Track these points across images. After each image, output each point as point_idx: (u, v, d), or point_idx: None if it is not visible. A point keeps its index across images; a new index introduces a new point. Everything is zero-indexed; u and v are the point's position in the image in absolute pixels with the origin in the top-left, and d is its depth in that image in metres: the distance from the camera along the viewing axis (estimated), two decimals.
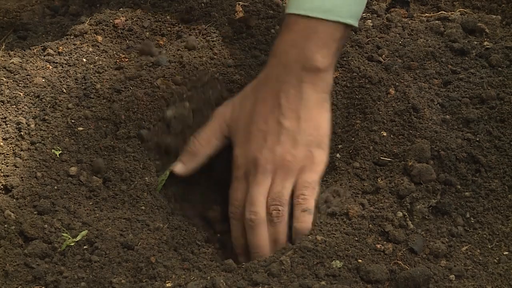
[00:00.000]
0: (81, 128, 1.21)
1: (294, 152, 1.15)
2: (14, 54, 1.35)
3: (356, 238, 1.08)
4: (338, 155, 1.22)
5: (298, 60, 1.15)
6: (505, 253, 1.08)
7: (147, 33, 1.39)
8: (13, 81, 1.27)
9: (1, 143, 1.17)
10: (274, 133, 1.15)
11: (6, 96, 1.24)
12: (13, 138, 1.18)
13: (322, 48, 1.15)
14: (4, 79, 1.27)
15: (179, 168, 1.22)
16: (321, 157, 1.17)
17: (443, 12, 1.48)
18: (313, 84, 1.16)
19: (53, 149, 1.18)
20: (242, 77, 1.30)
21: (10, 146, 1.17)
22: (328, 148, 1.18)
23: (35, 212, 1.08)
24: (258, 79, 1.21)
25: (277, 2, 1.48)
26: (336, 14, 1.15)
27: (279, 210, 1.13)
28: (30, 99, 1.25)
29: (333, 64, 1.19)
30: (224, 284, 0.98)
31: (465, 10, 1.49)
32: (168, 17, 1.42)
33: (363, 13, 1.46)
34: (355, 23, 1.18)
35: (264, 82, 1.18)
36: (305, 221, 1.12)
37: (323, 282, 1.00)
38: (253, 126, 1.16)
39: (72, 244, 1.04)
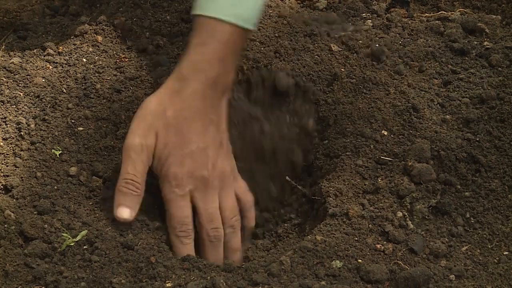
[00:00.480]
0: (81, 128, 1.21)
1: (228, 164, 1.17)
2: (14, 54, 1.35)
3: (356, 238, 1.08)
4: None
5: (224, 79, 1.16)
6: (505, 253, 1.08)
7: (147, 33, 1.39)
8: (13, 81, 1.27)
9: (1, 143, 1.17)
10: (214, 149, 1.14)
11: (6, 96, 1.24)
12: (13, 138, 1.18)
13: (237, 62, 1.19)
14: (4, 79, 1.27)
15: (127, 214, 1.11)
16: (234, 161, 1.20)
17: (443, 12, 1.48)
18: (226, 98, 1.18)
19: (53, 149, 1.18)
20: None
21: (10, 146, 1.17)
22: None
23: (35, 212, 1.08)
24: (168, 93, 1.15)
25: (277, 2, 1.48)
26: (252, 23, 1.16)
27: (238, 220, 1.18)
28: (30, 99, 1.25)
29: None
30: (224, 284, 0.98)
31: (465, 10, 1.49)
32: (168, 17, 1.42)
33: (363, 13, 1.46)
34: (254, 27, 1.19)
35: (187, 96, 1.14)
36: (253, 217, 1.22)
37: (323, 282, 1.00)
38: (192, 145, 1.13)
39: (72, 244, 1.04)
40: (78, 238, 1.05)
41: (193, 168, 1.13)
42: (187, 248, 1.13)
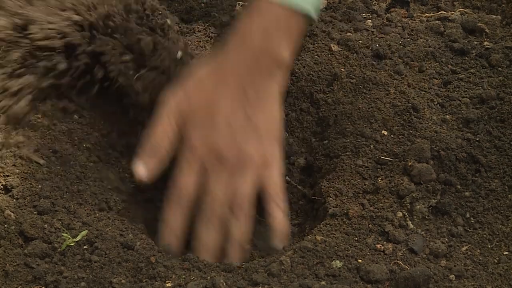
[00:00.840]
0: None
1: (259, 149, 1.08)
2: None
3: (356, 238, 1.08)
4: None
5: (270, 53, 1.09)
6: (505, 253, 1.08)
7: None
8: None
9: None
10: (241, 127, 1.08)
11: None
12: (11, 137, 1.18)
13: (289, 41, 1.10)
14: None
15: (142, 171, 1.09)
16: (280, 154, 1.11)
17: (443, 12, 1.48)
18: (279, 80, 1.11)
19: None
20: None
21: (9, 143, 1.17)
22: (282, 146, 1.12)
23: (35, 212, 1.08)
24: (214, 60, 1.12)
25: None
26: (306, 9, 1.10)
27: (246, 211, 1.08)
28: None
29: (293, 58, 1.14)
30: (224, 284, 0.98)
31: (465, 10, 1.49)
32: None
33: (363, 13, 1.46)
34: (316, 16, 1.13)
35: (228, 66, 1.10)
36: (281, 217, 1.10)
37: (323, 282, 1.00)
38: (219, 115, 1.08)
39: (72, 244, 1.04)
40: (78, 238, 1.05)
41: (210, 139, 1.07)
42: (174, 216, 1.08)
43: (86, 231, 1.05)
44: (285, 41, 1.10)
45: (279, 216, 1.10)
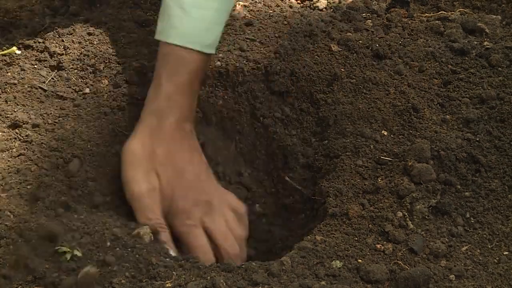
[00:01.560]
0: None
1: (215, 181, 1.24)
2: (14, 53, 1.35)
3: (356, 238, 1.08)
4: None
5: (193, 107, 1.22)
6: (505, 253, 1.08)
7: (147, 33, 1.39)
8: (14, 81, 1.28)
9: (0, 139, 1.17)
10: (204, 172, 1.21)
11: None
12: (11, 137, 1.18)
13: (200, 88, 1.25)
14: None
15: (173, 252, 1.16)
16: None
17: (443, 12, 1.48)
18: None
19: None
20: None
21: (9, 144, 1.17)
22: None
23: (35, 212, 1.08)
24: (149, 133, 1.18)
25: (277, 2, 1.48)
26: (213, 48, 1.21)
27: (240, 230, 1.23)
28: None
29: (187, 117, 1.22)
30: (224, 284, 0.98)
31: (465, 10, 1.49)
32: None
33: (363, 13, 1.46)
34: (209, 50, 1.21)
35: (171, 135, 1.19)
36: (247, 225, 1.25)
37: (323, 282, 1.00)
38: (189, 175, 1.18)
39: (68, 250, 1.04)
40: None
41: (196, 197, 1.17)
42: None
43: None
44: (199, 90, 1.23)
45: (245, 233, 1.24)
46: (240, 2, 1.46)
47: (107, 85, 1.29)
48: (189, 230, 1.17)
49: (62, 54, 1.32)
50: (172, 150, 1.17)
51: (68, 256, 1.02)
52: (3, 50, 1.33)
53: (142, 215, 1.14)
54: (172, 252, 1.11)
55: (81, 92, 1.27)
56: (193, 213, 1.17)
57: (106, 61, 1.32)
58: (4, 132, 1.18)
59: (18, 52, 1.32)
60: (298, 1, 1.52)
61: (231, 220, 1.20)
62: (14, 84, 1.26)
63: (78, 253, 1.02)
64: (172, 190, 1.16)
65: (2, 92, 1.25)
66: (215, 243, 1.18)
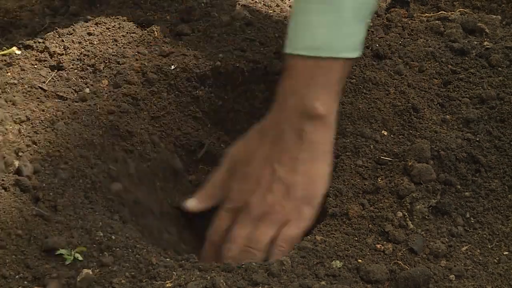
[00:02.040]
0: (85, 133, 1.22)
1: (283, 203, 1.14)
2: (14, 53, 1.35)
3: (356, 238, 1.08)
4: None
5: (297, 108, 1.14)
6: (505, 253, 1.08)
7: (147, 33, 1.39)
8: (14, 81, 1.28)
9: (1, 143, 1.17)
10: (267, 180, 1.15)
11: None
12: (12, 138, 1.18)
13: (321, 94, 1.14)
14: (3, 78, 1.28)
15: (192, 205, 1.22)
16: (309, 214, 1.15)
17: (443, 12, 1.48)
18: (314, 133, 1.15)
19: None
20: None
21: (9, 143, 1.17)
22: (319, 205, 1.15)
23: (35, 212, 1.08)
24: (263, 122, 1.20)
25: (277, 2, 1.48)
26: (341, 51, 1.13)
27: (256, 255, 1.13)
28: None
29: (335, 106, 1.17)
30: (224, 284, 0.98)
31: (465, 10, 1.49)
32: (168, 17, 1.43)
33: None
34: (353, 54, 1.16)
35: (267, 127, 1.18)
36: None
37: (323, 282, 1.00)
38: (250, 168, 1.17)
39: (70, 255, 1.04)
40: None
41: (244, 199, 1.16)
42: (207, 250, 1.18)
43: (85, 248, 1.05)
44: (315, 94, 1.14)
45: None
46: (240, 2, 1.46)
47: (107, 85, 1.29)
48: (219, 210, 1.18)
49: (62, 54, 1.32)
50: (258, 138, 1.18)
51: (69, 260, 1.02)
52: (3, 50, 1.33)
53: (215, 174, 1.22)
54: None
55: (81, 92, 1.27)
56: (231, 199, 1.17)
57: (106, 61, 1.32)
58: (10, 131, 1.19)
59: (18, 52, 1.32)
60: None
61: (253, 238, 1.14)
62: (14, 84, 1.26)
63: (79, 256, 1.02)
64: (235, 175, 1.19)
65: (2, 92, 1.25)
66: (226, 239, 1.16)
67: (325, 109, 1.15)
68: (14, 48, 1.32)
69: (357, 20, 1.14)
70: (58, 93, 1.27)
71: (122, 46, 1.35)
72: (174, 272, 1.02)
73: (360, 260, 1.04)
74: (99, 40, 1.35)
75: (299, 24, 1.15)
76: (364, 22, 1.17)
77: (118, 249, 1.04)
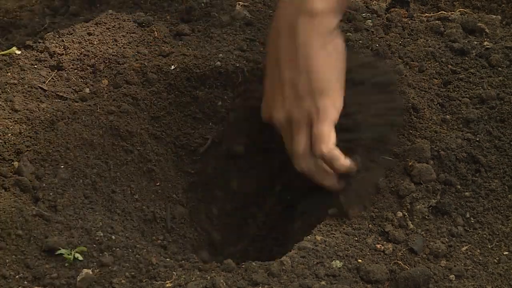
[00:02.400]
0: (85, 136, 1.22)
1: (298, 105, 1.14)
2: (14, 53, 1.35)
3: (356, 238, 1.08)
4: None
5: (293, 3, 1.13)
6: (505, 253, 1.08)
7: (147, 33, 1.39)
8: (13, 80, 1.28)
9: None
10: (278, 88, 1.14)
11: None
12: (12, 138, 1.18)
13: None
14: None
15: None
16: (326, 104, 1.13)
17: (443, 12, 1.48)
18: (309, 29, 1.13)
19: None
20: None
21: (9, 145, 1.17)
22: (336, 90, 1.14)
23: (35, 212, 1.08)
24: (273, 23, 1.19)
25: (277, 2, 1.48)
26: None
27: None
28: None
29: (335, 9, 1.14)
30: (224, 284, 0.98)
31: (465, 10, 1.49)
32: (168, 17, 1.42)
33: (363, 13, 1.45)
34: None
35: (271, 31, 1.17)
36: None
37: (323, 282, 1.00)
38: (266, 82, 1.17)
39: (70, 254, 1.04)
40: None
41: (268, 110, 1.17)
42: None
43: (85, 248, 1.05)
44: None
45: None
46: (240, 2, 1.46)
47: (107, 85, 1.29)
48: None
49: (62, 54, 1.32)
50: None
51: (69, 260, 1.02)
52: (3, 50, 1.33)
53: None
54: None
55: (81, 92, 1.27)
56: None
57: (106, 61, 1.32)
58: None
59: (18, 52, 1.32)
60: None
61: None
62: (14, 84, 1.26)
63: (79, 256, 1.02)
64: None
65: (2, 92, 1.25)
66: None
67: (323, 6, 1.12)
68: (14, 48, 1.32)
69: None
70: (58, 93, 1.27)
71: (122, 46, 1.35)
72: (174, 272, 1.02)
73: (360, 260, 1.04)
74: (99, 40, 1.35)
75: None
76: None
77: (118, 249, 1.04)
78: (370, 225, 1.10)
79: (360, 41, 1.37)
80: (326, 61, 1.14)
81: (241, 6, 1.45)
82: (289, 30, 1.13)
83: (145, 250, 1.06)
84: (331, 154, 1.12)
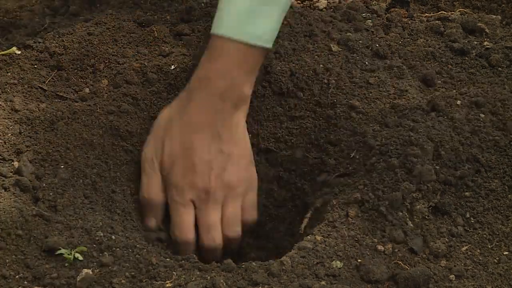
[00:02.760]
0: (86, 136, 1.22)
1: (239, 176, 1.19)
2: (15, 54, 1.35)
3: (356, 238, 1.08)
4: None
5: (231, 90, 1.17)
6: (505, 253, 1.08)
7: (147, 33, 1.39)
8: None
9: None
10: (218, 161, 1.17)
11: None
12: (12, 138, 1.18)
13: (250, 76, 1.19)
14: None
15: (153, 224, 1.20)
16: (255, 174, 1.23)
17: (443, 12, 1.48)
18: (243, 111, 1.20)
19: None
20: None
21: (10, 144, 1.17)
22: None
23: (35, 212, 1.08)
24: (177, 106, 1.20)
25: None
26: (265, 41, 1.17)
27: (239, 233, 1.20)
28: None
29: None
30: (224, 284, 0.98)
31: (465, 10, 1.49)
32: (168, 17, 1.42)
33: (363, 13, 1.46)
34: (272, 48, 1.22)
35: (195, 110, 1.18)
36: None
37: (323, 282, 1.00)
38: (195, 157, 1.17)
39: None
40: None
41: (194, 179, 1.16)
42: (182, 251, 1.17)
43: (86, 248, 1.05)
44: (247, 78, 1.19)
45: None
46: None
47: (107, 85, 1.29)
48: (175, 206, 1.18)
49: (62, 54, 1.32)
50: (190, 128, 1.17)
51: (69, 260, 1.02)
52: (3, 50, 1.33)
53: (142, 180, 1.20)
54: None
55: (81, 92, 1.27)
56: (185, 193, 1.17)
57: (106, 61, 1.32)
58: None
59: (18, 52, 1.32)
60: (298, 1, 1.52)
61: (229, 217, 1.19)
62: (14, 84, 1.26)
63: (79, 256, 1.02)
64: (171, 163, 1.17)
65: (2, 92, 1.25)
66: (198, 230, 1.18)
67: (251, 90, 1.20)
68: (14, 48, 1.31)
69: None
70: (58, 93, 1.27)
71: (122, 46, 1.35)
72: (174, 272, 1.02)
73: (360, 260, 1.04)
74: (99, 40, 1.35)
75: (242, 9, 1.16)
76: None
77: (118, 249, 1.04)
78: (370, 225, 1.10)
79: (360, 41, 1.37)
80: (247, 137, 1.23)
81: None
82: (230, 112, 1.18)
83: (145, 250, 1.06)
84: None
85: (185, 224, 1.17)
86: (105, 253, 1.04)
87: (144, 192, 1.19)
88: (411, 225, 1.10)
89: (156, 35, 1.38)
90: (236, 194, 1.19)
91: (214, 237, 1.18)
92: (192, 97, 1.19)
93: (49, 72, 1.31)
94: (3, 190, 1.10)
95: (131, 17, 1.41)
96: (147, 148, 1.20)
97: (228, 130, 1.18)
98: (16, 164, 1.14)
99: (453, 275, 1.03)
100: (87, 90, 1.28)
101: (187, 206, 1.17)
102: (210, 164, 1.17)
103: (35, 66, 1.31)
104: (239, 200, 1.20)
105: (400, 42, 1.39)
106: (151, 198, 1.19)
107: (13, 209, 1.07)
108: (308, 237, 1.10)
